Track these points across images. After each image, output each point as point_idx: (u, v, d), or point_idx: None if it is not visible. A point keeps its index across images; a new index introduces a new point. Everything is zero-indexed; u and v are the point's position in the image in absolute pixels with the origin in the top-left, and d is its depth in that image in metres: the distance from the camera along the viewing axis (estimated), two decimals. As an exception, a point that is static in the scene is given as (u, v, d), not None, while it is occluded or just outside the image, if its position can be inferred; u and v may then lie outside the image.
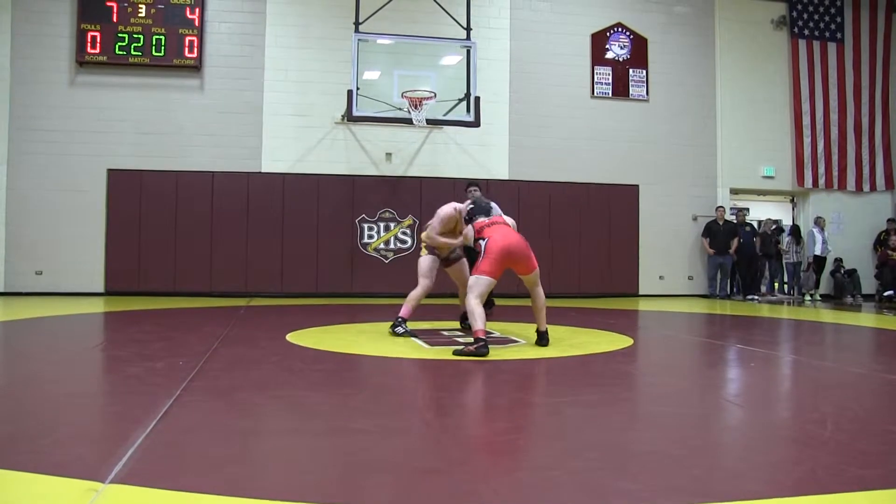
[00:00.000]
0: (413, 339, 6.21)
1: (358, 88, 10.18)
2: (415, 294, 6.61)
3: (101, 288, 12.03)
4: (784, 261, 14.49)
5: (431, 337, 6.42)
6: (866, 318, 9.89)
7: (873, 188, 15.09)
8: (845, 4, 14.97)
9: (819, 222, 14.29)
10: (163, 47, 12.11)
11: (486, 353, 5.11)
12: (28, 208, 11.85)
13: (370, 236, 12.85)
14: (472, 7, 10.83)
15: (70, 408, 3.51)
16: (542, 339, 5.83)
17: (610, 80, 13.90)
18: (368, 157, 12.91)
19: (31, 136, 11.87)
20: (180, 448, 2.71)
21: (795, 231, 14.48)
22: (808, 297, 13.75)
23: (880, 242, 14.62)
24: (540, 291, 5.91)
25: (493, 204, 6.03)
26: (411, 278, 12.63)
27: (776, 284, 14.91)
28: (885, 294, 13.62)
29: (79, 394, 3.94)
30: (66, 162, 11.95)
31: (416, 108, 10.31)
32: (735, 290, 14.03)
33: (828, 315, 10.13)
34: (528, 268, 5.76)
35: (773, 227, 14.96)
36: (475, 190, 7.84)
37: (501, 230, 5.75)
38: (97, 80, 12.12)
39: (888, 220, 14.64)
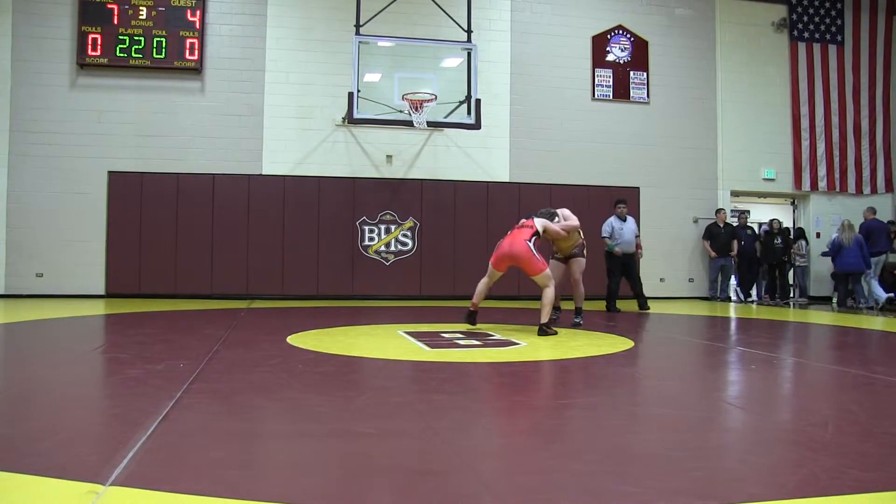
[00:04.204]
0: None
1: (359, 91, 10.18)
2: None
3: (101, 290, 12.03)
4: (797, 264, 14.34)
5: (432, 339, 6.42)
6: (867, 321, 9.89)
7: (874, 191, 15.08)
8: (845, 7, 14.98)
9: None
10: (164, 49, 12.12)
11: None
12: (29, 210, 11.86)
13: (371, 238, 12.85)
14: (472, 9, 10.82)
15: (71, 410, 3.52)
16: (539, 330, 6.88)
17: (611, 83, 13.91)
18: (369, 159, 12.92)
19: (31, 139, 11.88)
20: (181, 451, 2.71)
21: (801, 233, 14.44)
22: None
23: None
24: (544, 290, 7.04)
25: (542, 212, 7.74)
26: (412, 281, 12.79)
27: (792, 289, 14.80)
28: (886, 297, 13.59)
29: (79, 396, 3.94)
30: (67, 164, 11.96)
31: (416, 110, 10.32)
32: (761, 292, 14.10)
33: (828, 318, 10.13)
34: (527, 270, 7.13)
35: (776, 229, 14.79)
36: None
37: (509, 236, 7.28)
38: (98, 82, 12.13)
39: (888, 223, 14.60)
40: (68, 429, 3.06)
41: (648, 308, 10.84)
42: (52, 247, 11.88)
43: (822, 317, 10.27)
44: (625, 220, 10.94)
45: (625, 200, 11.21)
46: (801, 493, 2.24)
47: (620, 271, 10.94)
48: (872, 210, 13.59)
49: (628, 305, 11.09)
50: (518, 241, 7.08)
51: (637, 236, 11.12)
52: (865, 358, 6.35)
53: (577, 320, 8.03)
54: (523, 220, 7.45)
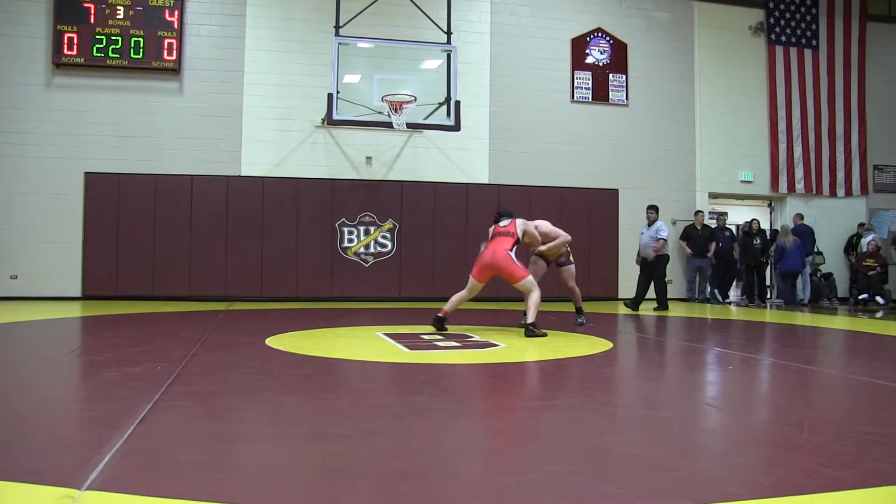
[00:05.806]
0: (393, 342, 6.21)
1: (338, 92, 10.16)
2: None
3: (78, 292, 11.89)
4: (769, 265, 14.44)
5: (411, 341, 6.42)
6: (842, 321, 10.02)
7: (849, 193, 15.28)
8: (820, 12, 15.16)
9: (872, 227, 14.51)
10: (141, 49, 12.01)
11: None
12: (3, 211, 11.70)
13: (350, 240, 12.81)
14: (452, 11, 10.84)
15: (46, 413, 3.47)
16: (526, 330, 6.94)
17: (590, 85, 13.99)
18: (349, 160, 12.88)
19: (6, 139, 11.72)
20: (158, 454, 2.69)
21: (775, 236, 14.58)
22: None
23: (852, 246, 14.82)
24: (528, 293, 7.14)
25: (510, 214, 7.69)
26: (391, 282, 12.76)
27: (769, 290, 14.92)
28: (860, 298, 13.80)
29: (55, 399, 3.89)
30: (43, 165, 11.81)
31: (396, 111, 10.31)
32: (741, 294, 14.27)
33: (805, 318, 10.24)
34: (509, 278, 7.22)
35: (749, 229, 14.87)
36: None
37: (491, 245, 7.31)
38: (74, 82, 11.99)
39: (859, 225, 14.84)
40: (43, 433, 3.02)
41: (665, 309, 11.23)
42: (28, 248, 11.72)
43: (797, 317, 10.38)
44: (650, 226, 11.46)
45: (653, 206, 11.67)
46: (778, 492, 2.27)
47: (645, 275, 11.55)
48: (800, 216, 14.43)
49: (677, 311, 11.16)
50: (500, 250, 7.17)
51: (659, 239, 11.34)
52: (839, 358, 6.43)
53: (580, 320, 8.32)
54: (504, 225, 7.42)
